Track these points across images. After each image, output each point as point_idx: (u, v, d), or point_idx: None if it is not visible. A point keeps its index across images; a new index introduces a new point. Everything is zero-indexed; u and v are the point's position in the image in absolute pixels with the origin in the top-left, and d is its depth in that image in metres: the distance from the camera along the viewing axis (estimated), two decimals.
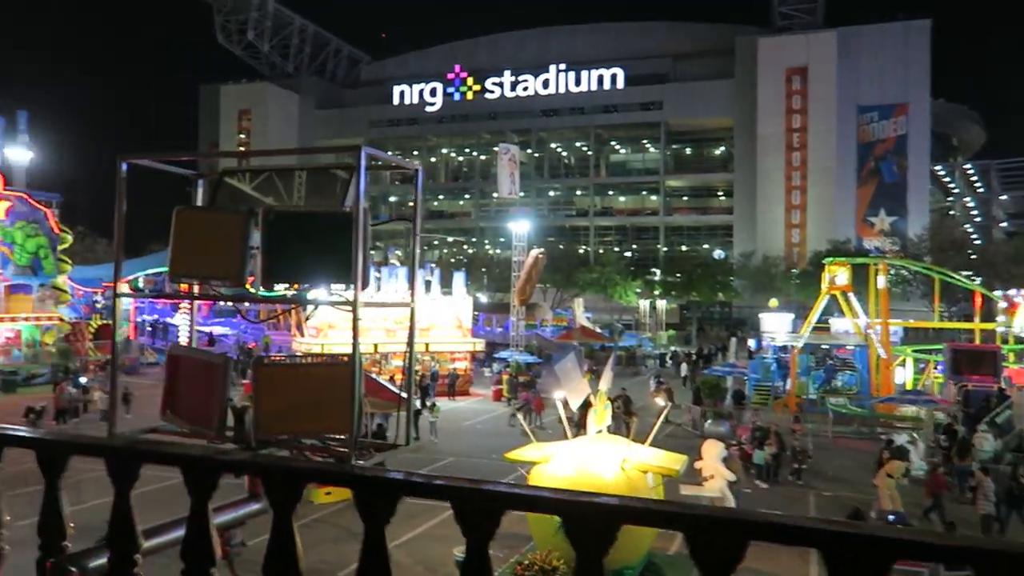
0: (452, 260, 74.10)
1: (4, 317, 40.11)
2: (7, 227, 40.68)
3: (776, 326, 48.07)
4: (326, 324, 35.36)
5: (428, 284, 37.50)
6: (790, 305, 57.59)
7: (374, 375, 23.18)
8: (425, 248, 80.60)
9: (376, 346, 34.85)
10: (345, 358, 2.74)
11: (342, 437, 2.72)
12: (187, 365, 2.97)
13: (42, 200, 44.16)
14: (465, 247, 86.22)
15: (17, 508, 3.00)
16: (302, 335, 37.66)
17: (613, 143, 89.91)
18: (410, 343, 3.08)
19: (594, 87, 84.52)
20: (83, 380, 32.43)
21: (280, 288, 2.86)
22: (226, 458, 2.23)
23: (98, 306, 46.89)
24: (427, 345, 36.61)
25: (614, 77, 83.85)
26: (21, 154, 44.57)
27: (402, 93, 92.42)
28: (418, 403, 26.07)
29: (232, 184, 3.09)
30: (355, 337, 2.59)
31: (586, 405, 14.11)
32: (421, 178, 3.19)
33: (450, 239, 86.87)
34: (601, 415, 13.67)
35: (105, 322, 45.94)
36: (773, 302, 57.87)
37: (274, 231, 2.72)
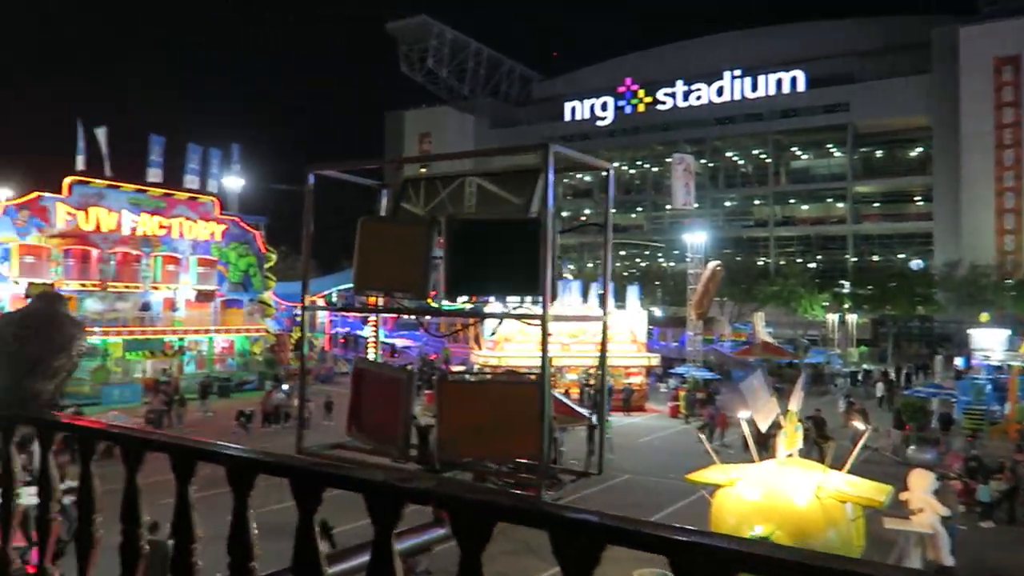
0: (625, 273, 73.32)
1: (220, 329, 44.48)
2: (223, 247, 45.22)
3: (990, 343, 43.16)
4: (503, 337, 36.06)
5: (601, 297, 37.16)
6: (1004, 319, 51.52)
7: (559, 394, 23.21)
8: (596, 261, 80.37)
9: (551, 360, 35.03)
10: (532, 376, 2.52)
11: (530, 462, 2.51)
12: (372, 380, 2.89)
13: (251, 223, 48.68)
14: (637, 260, 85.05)
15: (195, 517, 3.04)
16: (479, 347, 38.66)
17: (794, 149, 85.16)
18: (602, 359, 2.85)
19: (772, 92, 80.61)
20: (285, 388, 35.14)
21: (462, 300, 2.72)
22: (410, 487, 2.08)
23: (298, 319, 50.84)
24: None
25: (794, 80, 79.54)
26: (234, 182, 49.38)
27: (573, 109, 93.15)
28: (593, 418, 25.78)
29: (414, 193, 3.00)
30: (544, 354, 2.37)
31: (775, 426, 13.18)
32: (613, 179, 2.93)
33: (623, 252, 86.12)
34: (792, 437, 12.73)
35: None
36: (984, 316, 52.10)
37: (457, 240, 2.58)
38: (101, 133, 40.72)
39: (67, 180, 38.55)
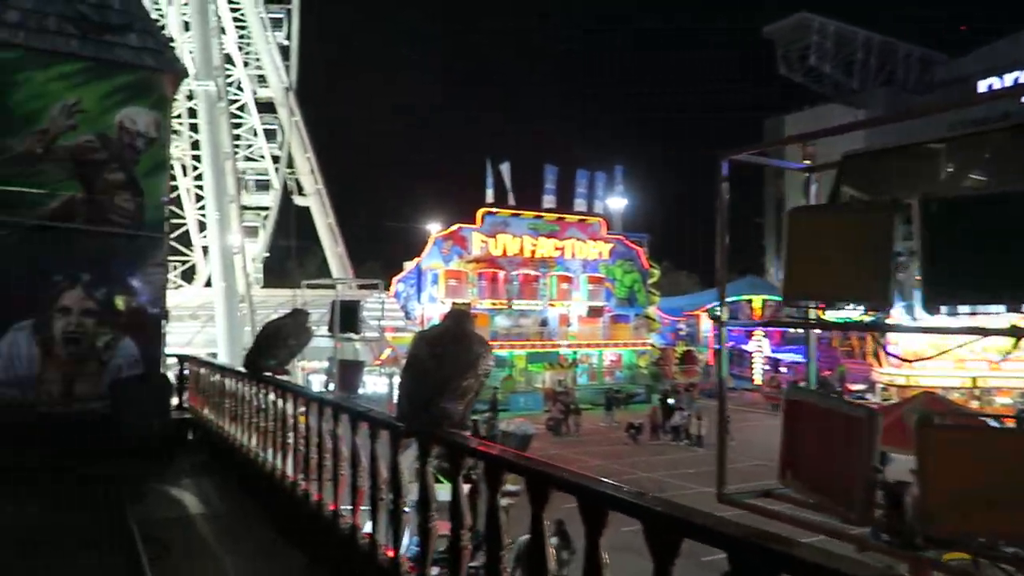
0: None
1: (609, 343, 46.53)
2: (610, 265, 47.34)
3: None
4: (911, 352, 31.58)
5: None
6: None
7: None
8: None
9: (975, 380, 29.76)
10: None
11: None
12: (814, 416, 2.25)
13: (635, 240, 50.16)
14: None
15: None
16: (881, 364, 34.41)
17: None
18: None
19: None
20: (671, 402, 35.18)
21: (944, 311, 1.95)
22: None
23: (681, 333, 50.92)
24: None
25: None
26: (618, 202, 51.45)
27: (990, 87, 79.24)
28: None
29: (860, 172, 2.30)
30: None
31: None
32: None
33: None
34: None
35: (688, 348, 49.63)
36: None
37: (941, 227, 1.82)
38: (505, 168, 45.56)
39: (480, 212, 43.82)
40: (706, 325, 51.86)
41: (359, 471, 4.38)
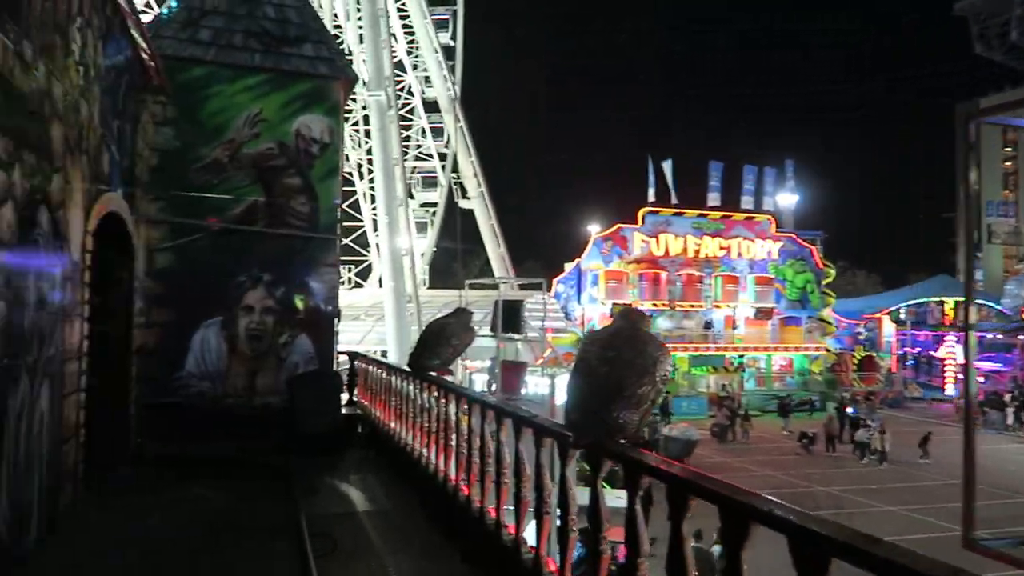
0: None
1: (779, 347, 44.18)
2: (779, 265, 44.95)
3: None
4: None
5: None
6: None
7: None
8: None
9: None
10: None
11: None
12: None
13: (807, 238, 47.37)
14: None
15: None
16: None
17: None
18: None
19: None
20: (850, 412, 32.80)
21: None
22: None
23: (860, 337, 47.37)
24: None
25: None
26: (788, 199, 48.74)
27: None
28: None
29: None
30: None
31: None
32: None
33: None
34: None
35: (868, 353, 46.11)
36: None
37: None
38: (667, 165, 44.51)
39: (641, 211, 43.06)
40: (888, 329, 47.98)
41: (523, 480, 4.14)
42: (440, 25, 49.53)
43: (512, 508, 4.33)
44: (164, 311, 10.21)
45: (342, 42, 40.80)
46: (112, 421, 8.62)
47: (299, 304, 10.85)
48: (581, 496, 3.56)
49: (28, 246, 5.11)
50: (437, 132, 52.11)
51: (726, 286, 43.58)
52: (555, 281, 42.20)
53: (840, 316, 46.92)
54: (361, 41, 39.35)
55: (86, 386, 6.89)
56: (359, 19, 39.80)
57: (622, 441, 2.98)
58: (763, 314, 44.19)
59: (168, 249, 10.29)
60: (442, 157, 52.17)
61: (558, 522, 3.56)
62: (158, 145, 10.30)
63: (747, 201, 45.62)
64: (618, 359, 2.97)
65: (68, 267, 6.21)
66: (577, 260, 42.67)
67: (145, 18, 10.35)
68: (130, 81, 8.91)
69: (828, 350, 45.09)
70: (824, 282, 46.12)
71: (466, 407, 5.68)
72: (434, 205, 52.00)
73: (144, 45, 8.78)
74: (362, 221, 48.29)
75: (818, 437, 29.02)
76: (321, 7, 39.12)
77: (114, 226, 8.34)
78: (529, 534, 4.24)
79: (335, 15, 43.47)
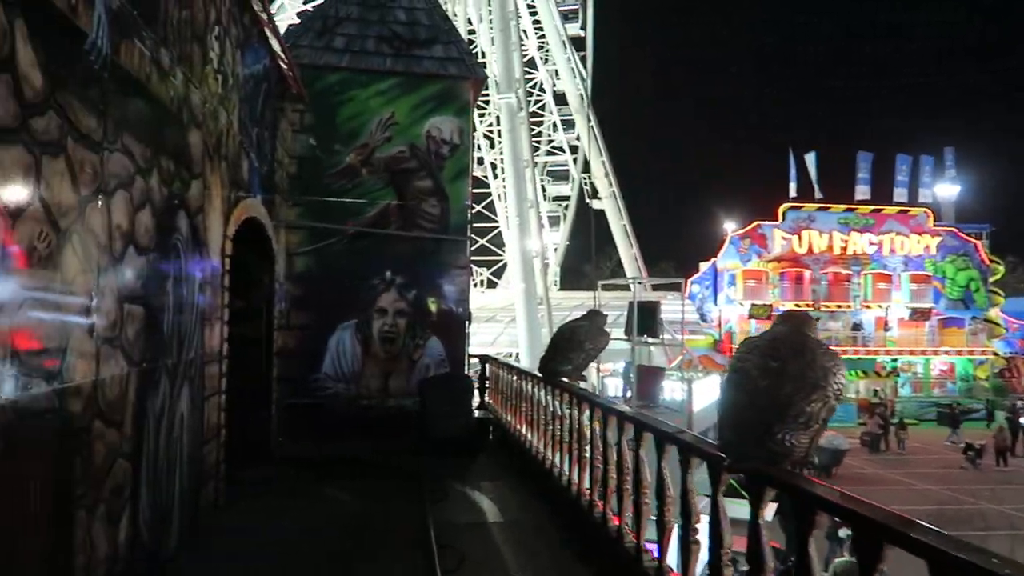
0: None
1: (938, 350, 40.74)
2: (938, 262, 41.41)
3: None
4: None
5: None
6: None
7: None
8: None
9: None
10: None
11: None
12: None
13: (971, 233, 43.34)
14: None
15: None
16: None
17: None
18: None
19: None
20: (1023, 421, 29.69)
21: None
22: None
23: None
24: None
25: None
26: (948, 190, 44.87)
27: None
28: None
29: None
30: None
31: None
32: None
33: None
34: None
35: None
36: None
37: None
38: (810, 158, 42.10)
39: (781, 207, 40.91)
40: None
41: (666, 504, 3.72)
42: (569, 17, 49.42)
43: (654, 531, 3.92)
44: (303, 314, 10.47)
45: (475, 46, 41.36)
46: (255, 422, 8.87)
47: (431, 306, 10.83)
48: (736, 509, 3.11)
49: (167, 251, 5.20)
50: (568, 124, 52.04)
51: (877, 285, 40.65)
52: (689, 281, 40.85)
53: (1010, 317, 42.64)
54: (493, 43, 39.73)
55: (227, 388, 7.05)
56: (491, 22, 40.21)
57: (788, 467, 2.52)
58: (919, 315, 40.86)
59: (306, 253, 10.55)
60: (573, 150, 52.05)
61: (706, 556, 3.11)
62: (296, 152, 10.59)
63: (900, 194, 42.34)
64: (783, 371, 2.50)
65: (208, 271, 6.34)
66: (712, 259, 41.10)
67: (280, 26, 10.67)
68: (268, 89, 9.15)
69: (996, 354, 41.11)
70: (991, 280, 42.09)
71: (600, 418, 5.30)
72: (566, 199, 51.96)
73: (282, 55, 8.99)
74: (497, 221, 48.75)
75: (986, 449, 26.37)
76: (455, 15, 39.84)
77: (254, 231, 8.57)
78: (671, 559, 3.83)
79: (468, 20, 44.17)
